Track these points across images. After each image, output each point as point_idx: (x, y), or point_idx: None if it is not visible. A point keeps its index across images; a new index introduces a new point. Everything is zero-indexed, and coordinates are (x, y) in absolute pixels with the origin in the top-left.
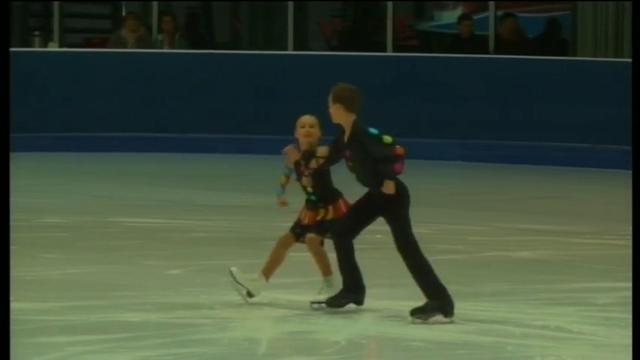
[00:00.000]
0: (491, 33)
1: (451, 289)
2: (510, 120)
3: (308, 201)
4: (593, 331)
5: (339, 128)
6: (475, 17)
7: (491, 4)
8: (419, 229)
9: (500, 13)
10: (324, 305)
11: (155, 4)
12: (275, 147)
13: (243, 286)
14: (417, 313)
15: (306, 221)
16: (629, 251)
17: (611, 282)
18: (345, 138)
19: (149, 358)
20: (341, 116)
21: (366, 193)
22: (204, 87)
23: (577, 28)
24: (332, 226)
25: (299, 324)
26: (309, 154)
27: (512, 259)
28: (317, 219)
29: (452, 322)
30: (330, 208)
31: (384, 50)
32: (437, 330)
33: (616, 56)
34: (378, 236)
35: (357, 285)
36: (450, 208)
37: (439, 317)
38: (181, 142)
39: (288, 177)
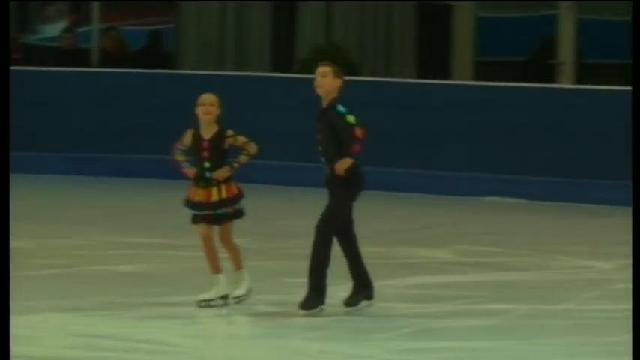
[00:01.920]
0: (94, 46)
1: (49, 303)
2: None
3: (200, 178)
4: (195, 344)
5: None
6: (79, 30)
7: (94, 16)
8: (18, 244)
9: (103, 26)
10: (212, 304)
11: None
12: None
13: (216, 299)
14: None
15: (196, 198)
16: (197, 264)
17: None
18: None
19: None
20: (333, 90)
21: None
22: None
23: (180, 41)
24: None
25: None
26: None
27: (114, 273)
28: (211, 200)
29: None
30: (223, 186)
31: None
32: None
33: (218, 69)
34: None
35: (365, 280)
36: (49, 223)
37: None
38: None
39: (184, 156)
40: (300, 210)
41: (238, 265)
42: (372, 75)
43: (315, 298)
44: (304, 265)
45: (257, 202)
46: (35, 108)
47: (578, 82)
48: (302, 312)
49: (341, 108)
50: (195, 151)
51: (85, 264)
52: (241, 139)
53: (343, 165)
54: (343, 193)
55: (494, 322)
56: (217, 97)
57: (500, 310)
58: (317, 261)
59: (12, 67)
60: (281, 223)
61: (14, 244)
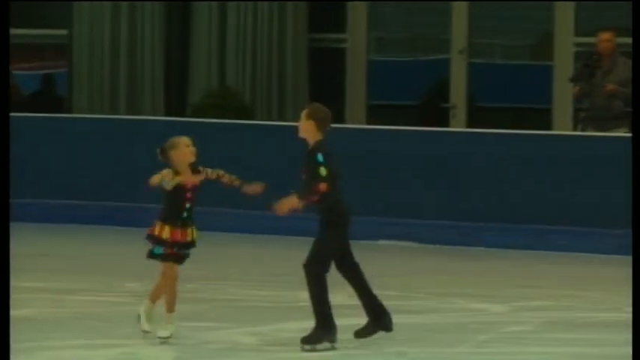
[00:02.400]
0: None
1: None
2: None
3: (179, 219)
4: None
5: None
6: None
7: None
8: None
9: None
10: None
11: None
12: None
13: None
14: (305, 341)
15: (166, 236)
16: (128, 308)
17: (108, 339)
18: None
19: None
20: (310, 133)
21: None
22: None
23: (72, 84)
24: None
25: None
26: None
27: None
28: (187, 239)
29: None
30: (194, 226)
31: None
32: None
33: (112, 113)
34: None
35: (379, 312)
36: None
37: (326, 344)
38: None
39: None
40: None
41: (172, 308)
42: (267, 118)
43: (319, 332)
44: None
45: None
46: None
47: (470, 125)
48: (306, 347)
49: (319, 157)
50: (175, 193)
51: None
52: (208, 171)
53: (285, 204)
54: (330, 233)
55: None
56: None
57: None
58: (314, 300)
59: None
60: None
61: None
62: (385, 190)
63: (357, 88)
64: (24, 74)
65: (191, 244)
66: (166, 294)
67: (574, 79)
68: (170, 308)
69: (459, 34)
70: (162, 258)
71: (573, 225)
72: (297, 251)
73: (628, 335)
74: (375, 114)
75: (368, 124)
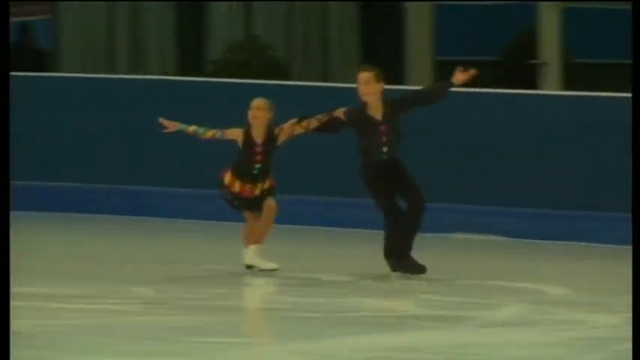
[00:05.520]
0: None
1: None
2: None
3: (248, 174)
4: None
5: None
6: None
7: None
8: None
9: None
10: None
11: None
12: None
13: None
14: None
15: (242, 193)
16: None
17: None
18: (379, 115)
19: None
20: (378, 94)
21: (381, 175)
22: None
23: (60, 37)
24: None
25: None
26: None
27: None
28: (255, 193)
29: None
30: (267, 181)
31: None
32: None
33: (109, 71)
34: None
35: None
36: None
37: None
38: None
39: (213, 135)
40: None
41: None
42: (306, 79)
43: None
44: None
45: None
46: None
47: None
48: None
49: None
50: (245, 151)
51: None
52: (288, 125)
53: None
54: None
55: None
56: (267, 100)
57: None
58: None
59: None
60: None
61: None
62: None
63: (420, 41)
64: None
65: (258, 197)
66: (262, 228)
67: None
68: (248, 240)
69: None
70: (232, 207)
71: None
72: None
73: None
74: (443, 73)
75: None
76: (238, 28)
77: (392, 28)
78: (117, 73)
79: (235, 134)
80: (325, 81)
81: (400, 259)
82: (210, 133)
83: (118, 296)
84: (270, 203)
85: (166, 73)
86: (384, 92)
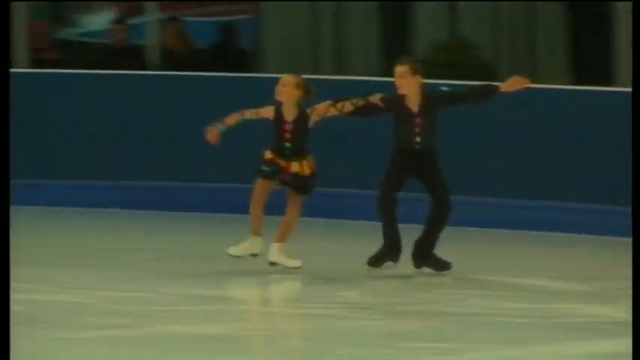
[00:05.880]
0: (151, 42)
1: None
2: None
3: (281, 153)
4: None
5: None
6: (129, 22)
7: (150, 4)
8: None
9: (163, 16)
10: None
11: None
12: None
13: (245, 255)
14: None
15: (279, 164)
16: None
17: None
18: (416, 107)
19: None
20: (416, 87)
21: (407, 167)
22: None
23: (262, 37)
24: (378, 192)
25: None
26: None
27: (190, 335)
28: (292, 170)
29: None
30: (305, 162)
31: (17, 65)
32: None
33: (313, 72)
34: None
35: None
36: (94, 269)
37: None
38: None
39: (250, 115)
40: None
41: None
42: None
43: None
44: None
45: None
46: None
47: None
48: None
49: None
50: (276, 129)
51: (150, 324)
52: (321, 106)
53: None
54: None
55: None
56: (297, 78)
57: None
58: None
59: (45, 70)
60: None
61: (46, 297)
62: None
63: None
64: (198, 22)
65: (296, 175)
66: (287, 225)
67: None
68: (256, 231)
69: None
70: (258, 174)
71: None
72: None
73: None
74: None
75: None
76: (443, 29)
77: (600, 29)
78: (320, 74)
79: (268, 112)
80: (534, 82)
81: (423, 257)
82: (248, 114)
83: (324, 300)
84: (295, 200)
85: (371, 74)
86: (432, 85)
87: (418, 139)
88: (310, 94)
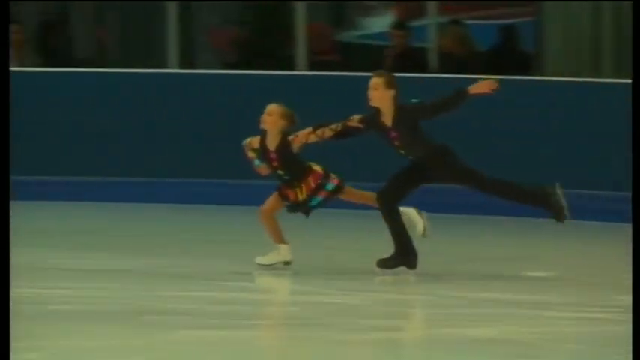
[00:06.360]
0: (432, 45)
1: None
2: None
3: (282, 181)
4: None
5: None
6: (410, 25)
7: (431, 7)
8: (329, 299)
9: (443, 19)
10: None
11: None
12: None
13: (275, 263)
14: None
15: (290, 198)
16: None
17: None
18: (389, 121)
19: None
20: (389, 100)
21: (411, 163)
22: None
23: (542, 39)
24: (378, 193)
25: None
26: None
27: (468, 338)
28: (299, 198)
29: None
30: (303, 185)
31: (295, 67)
32: None
33: (592, 75)
34: None
35: (406, 249)
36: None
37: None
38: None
39: (254, 153)
40: None
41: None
42: None
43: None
44: None
45: None
46: None
47: None
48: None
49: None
50: (264, 159)
51: (429, 326)
52: (302, 134)
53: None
54: (453, 166)
55: None
56: (283, 108)
57: None
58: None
59: (323, 72)
60: None
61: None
62: None
63: None
64: (479, 25)
65: (306, 200)
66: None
67: None
68: (278, 239)
69: None
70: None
71: None
72: None
73: None
74: None
75: None
76: None
77: None
78: (601, 75)
79: (254, 142)
80: None
81: (390, 258)
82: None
83: (599, 304)
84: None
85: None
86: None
87: (402, 151)
88: (295, 123)
